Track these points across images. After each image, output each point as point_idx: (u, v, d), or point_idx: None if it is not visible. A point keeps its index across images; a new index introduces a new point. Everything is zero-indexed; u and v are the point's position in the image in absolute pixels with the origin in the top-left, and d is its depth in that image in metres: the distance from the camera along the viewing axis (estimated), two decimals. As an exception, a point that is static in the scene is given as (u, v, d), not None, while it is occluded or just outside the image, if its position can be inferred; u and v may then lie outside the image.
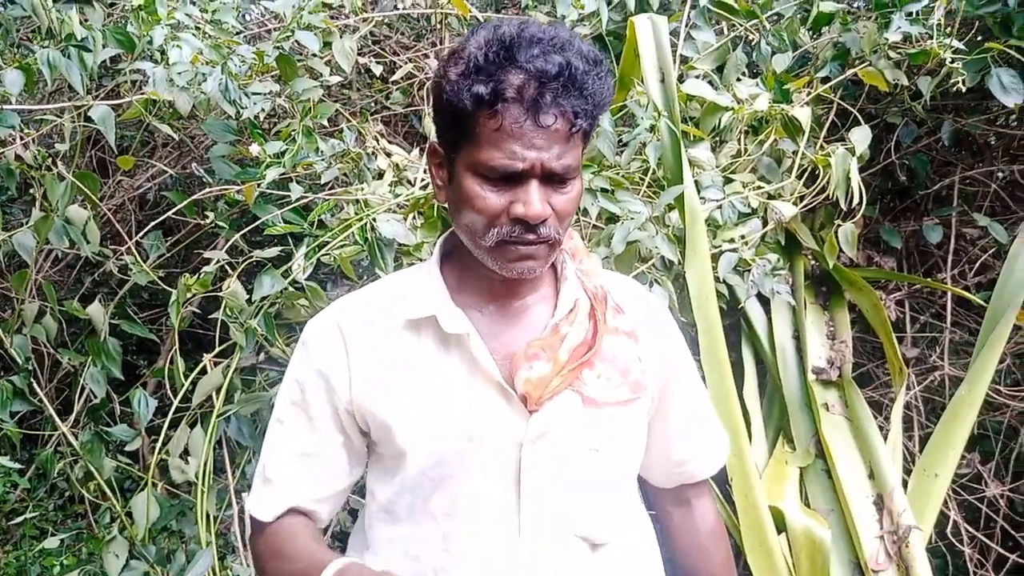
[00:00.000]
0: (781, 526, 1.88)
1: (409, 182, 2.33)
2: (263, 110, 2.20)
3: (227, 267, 2.18)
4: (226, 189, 2.15)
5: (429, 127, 2.50)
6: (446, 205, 1.14)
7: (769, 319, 2.29)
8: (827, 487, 2.05)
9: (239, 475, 2.18)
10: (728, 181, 2.02)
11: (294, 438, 1.17)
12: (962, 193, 2.43)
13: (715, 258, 1.89)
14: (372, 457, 1.22)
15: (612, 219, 1.90)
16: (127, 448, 2.24)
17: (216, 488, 2.18)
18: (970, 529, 2.21)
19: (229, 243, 2.22)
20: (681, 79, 2.12)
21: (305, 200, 2.28)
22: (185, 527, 2.13)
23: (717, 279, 1.88)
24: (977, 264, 2.33)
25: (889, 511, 1.94)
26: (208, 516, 2.10)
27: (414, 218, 2.31)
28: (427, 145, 1.12)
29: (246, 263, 2.14)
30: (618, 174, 1.98)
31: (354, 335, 1.14)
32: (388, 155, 2.47)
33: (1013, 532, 2.26)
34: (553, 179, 1.04)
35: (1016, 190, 2.30)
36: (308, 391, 1.16)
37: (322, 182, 2.09)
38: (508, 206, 1.04)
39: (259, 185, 2.16)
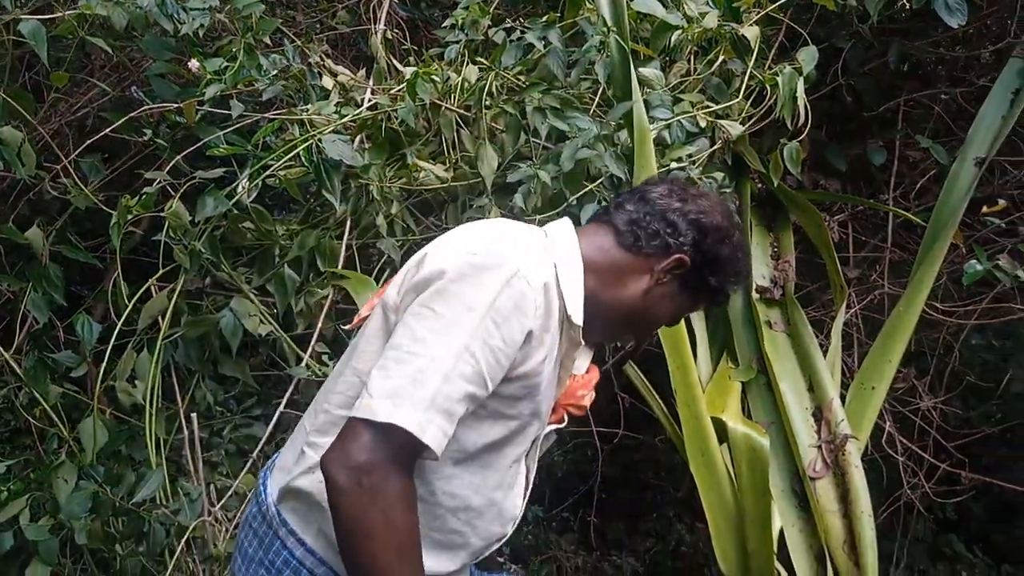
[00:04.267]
0: (723, 437, 1.94)
1: (356, 103, 2.29)
2: (202, 26, 2.12)
3: (170, 189, 2.13)
4: (165, 106, 2.08)
5: (376, 47, 2.44)
6: (640, 294, 1.28)
7: (716, 240, 2.33)
8: (768, 400, 2.12)
9: (188, 399, 2.17)
10: (677, 101, 2.02)
11: (476, 377, 1.11)
12: (906, 116, 2.47)
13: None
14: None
15: (562, 139, 1.89)
16: (73, 374, 2.21)
17: (166, 413, 2.17)
18: (904, 440, 2.30)
19: (171, 164, 2.17)
20: (632, -4, 2.09)
21: (249, 122, 2.23)
22: (135, 452, 2.12)
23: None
24: (918, 186, 2.37)
25: (827, 422, 2.01)
26: (158, 440, 2.10)
27: (361, 140, 2.27)
28: (680, 256, 1.27)
29: (188, 184, 2.10)
30: (568, 93, 1.96)
31: (551, 304, 1.18)
32: (334, 75, 2.41)
33: (944, 443, 2.37)
34: None
35: (958, 113, 2.34)
36: (509, 343, 1.12)
37: (263, 99, 2.03)
38: None
39: (200, 104, 2.11)
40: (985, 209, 2.21)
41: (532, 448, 1.33)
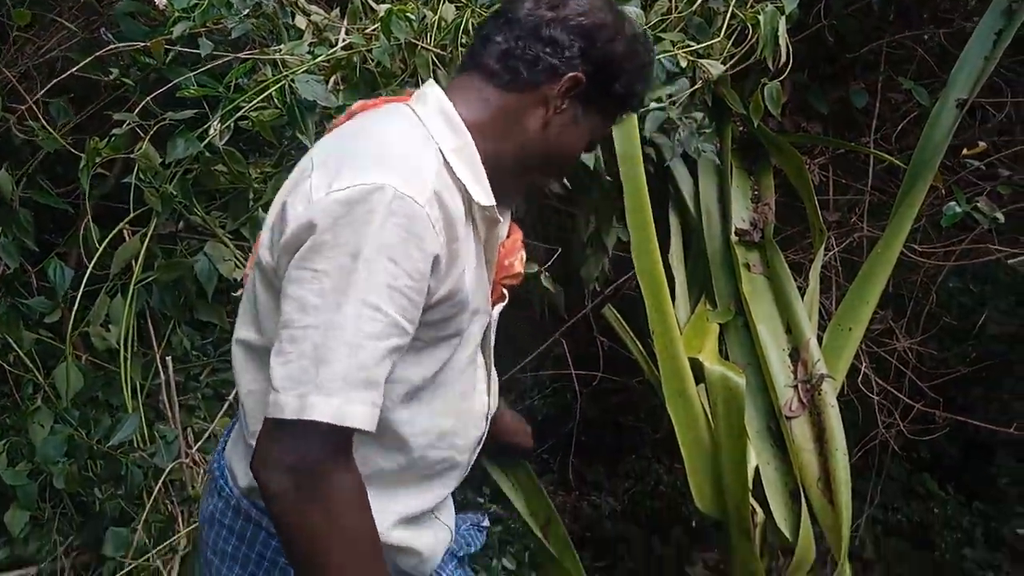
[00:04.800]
0: (700, 377, 1.95)
1: (330, 43, 2.23)
2: (169, -39, 2.06)
3: (140, 131, 2.09)
4: (132, 45, 2.02)
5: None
6: (541, 131, 1.15)
7: (695, 183, 2.32)
8: (746, 341, 2.12)
9: (164, 344, 2.16)
10: (658, 40, 1.98)
11: (390, 330, 0.97)
12: (889, 58, 2.44)
13: (642, 119, 1.87)
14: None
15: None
16: (47, 320, 2.18)
17: (142, 359, 2.16)
18: (880, 381, 2.33)
19: (140, 106, 2.12)
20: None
21: (220, 62, 2.17)
22: (112, 397, 2.11)
23: (644, 140, 1.87)
24: (899, 129, 2.36)
25: (804, 362, 2.02)
26: (134, 385, 2.09)
27: (336, 81, 2.23)
28: (573, 75, 1.13)
29: (159, 126, 2.05)
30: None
31: (448, 210, 1.03)
32: (307, 14, 2.36)
33: (920, 384, 2.39)
34: None
35: (942, 55, 2.31)
36: (416, 276, 0.98)
37: (233, 37, 1.98)
38: None
39: (170, 44, 2.05)
40: (965, 151, 2.21)
41: (484, 341, 1.24)
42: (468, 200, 1.08)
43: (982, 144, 2.20)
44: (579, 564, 2.01)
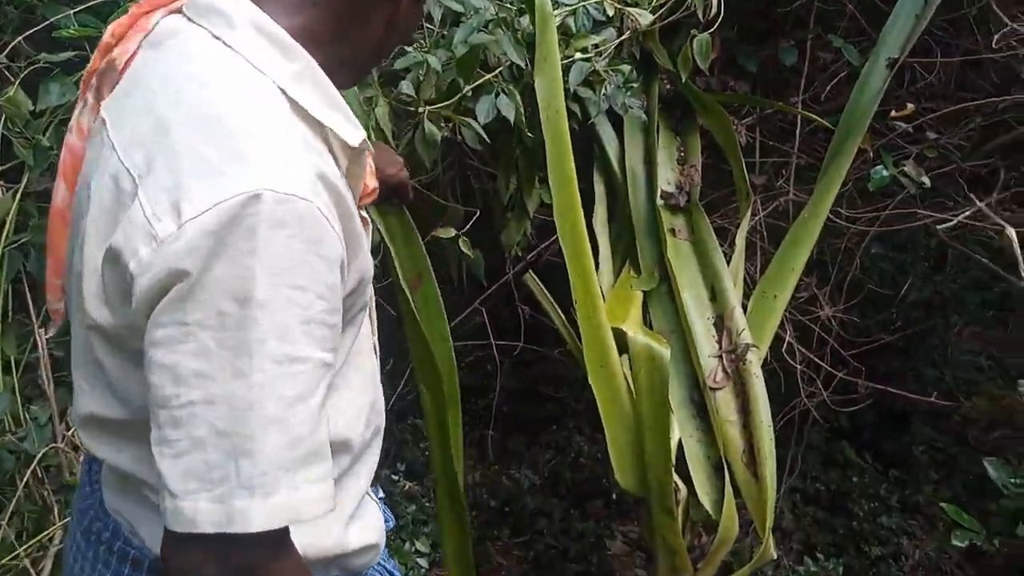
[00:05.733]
0: (624, 347, 1.85)
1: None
2: None
3: (8, 75, 1.87)
4: (-6, -26, 1.79)
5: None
6: (386, 18, 0.88)
7: (621, 143, 2.21)
8: (670, 310, 2.04)
9: (42, 315, 1.96)
10: (583, -14, 1.86)
11: (318, 371, 0.75)
12: (819, 15, 2.36)
13: (566, 71, 1.75)
14: None
15: (457, 23, 1.71)
16: (-97, 285, 1.95)
17: (17, 330, 1.96)
18: (803, 349, 2.28)
19: (10, 47, 1.90)
20: None
21: (101, 1, 1.96)
22: (-19, 372, 1.91)
23: (567, 93, 1.75)
24: (828, 89, 2.29)
25: (728, 331, 1.95)
26: (7, 359, 1.89)
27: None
28: None
29: (31, 69, 1.83)
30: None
31: (331, 182, 0.78)
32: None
33: (842, 352, 2.36)
34: None
35: (873, 12, 2.24)
36: (330, 291, 0.76)
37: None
38: None
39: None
40: (893, 113, 2.15)
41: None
42: (326, 137, 0.82)
43: (910, 106, 2.15)
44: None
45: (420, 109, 1.53)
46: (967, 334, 3.18)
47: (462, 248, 1.77)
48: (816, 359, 2.33)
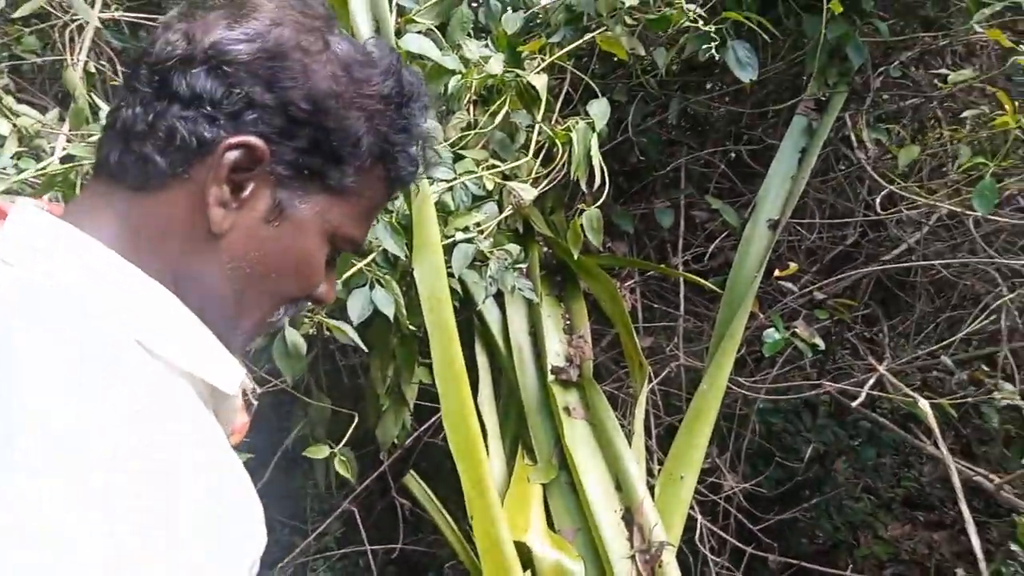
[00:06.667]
0: (528, 562, 1.61)
1: (43, 152, 1.75)
2: None
3: None
4: None
5: (73, 82, 1.91)
6: (224, 251, 0.69)
7: (503, 315, 2.04)
8: (573, 504, 1.83)
9: None
10: (459, 158, 1.70)
11: None
12: (691, 174, 2.33)
13: (447, 251, 1.57)
14: None
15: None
16: None
17: None
18: (710, 525, 2.12)
19: None
20: (399, 34, 1.76)
21: None
22: None
23: (450, 275, 1.56)
24: (710, 249, 2.23)
25: (639, 526, 1.75)
26: None
27: (54, 199, 1.74)
28: (234, 142, 0.67)
29: None
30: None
31: (205, 424, 0.64)
32: (14, 116, 1.85)
33: (750, 525, 2.21)
34: None
35: (744, 173, 2.23)
36: None
37: None
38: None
39: None
40: (777, 272, 2.10)
41: None
42: (209, 389, 0.68)
43: (793, 265, 2.10)
44: None
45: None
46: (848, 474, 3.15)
47: (337, 467, 1.50)
48: (721, 532, 2.17)
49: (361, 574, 2.37)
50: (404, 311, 1.45)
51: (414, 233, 1.48)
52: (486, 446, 1.86)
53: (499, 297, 2.05)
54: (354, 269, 1.42)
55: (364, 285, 1.40)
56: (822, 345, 2.00)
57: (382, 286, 1.40)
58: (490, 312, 2.03)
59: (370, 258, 1.45)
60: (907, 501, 3.70)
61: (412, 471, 1.79)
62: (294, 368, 1.29)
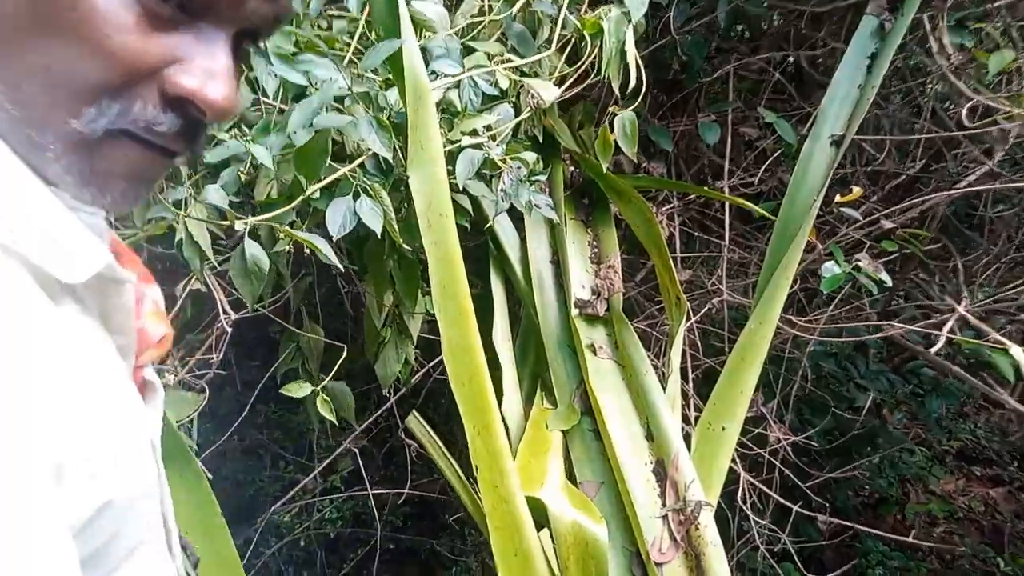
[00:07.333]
0: (545, 519, 1.40)
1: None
2: None
3: None
4: None
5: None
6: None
7: (522, 237, 1.80)
8: (597, 453, 1.62)
9: None
10: (469, 51, 1.45)
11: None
12: (741, 85, 2.04)
13: (451, 161, 1.32)
14: None
15: (300, 97, 1.26)
16: None
17: None
18: (753, 480, 1.89)
19: None
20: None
21: None
22: None
23: (455, 188, 1.32)
24: (761, 171, 1.96)
25: (673, 482, 1.53)
26: None
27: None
28: None
29: None
30: (314, 34, 1.33)
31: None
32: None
33: (797, 480, 1.98)
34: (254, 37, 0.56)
35: (803, 81, 1.94)
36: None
37: None
38: (164, 65, 0.51)
39: None
40: (839, 198, 1.83)
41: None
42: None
43: (857, 189, 1.82)
44: None
45: (240, 223, 1.06)
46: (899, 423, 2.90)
47: (320, 409, 1.29)
48: (765, 488, 1.94)
49: (370, 515, 2.19)
50: (395, 226, 1.21)
51: (410, 135, 1.23)
52: (499, 388, 1.65)
53: (517, 220, 1.82)
54: (337, 174, 1.19)
55: (348, 194, 1.16)
56: (889, 281, 1.73)
57: (369, 195, 1.16)
58: (506, 235, 1.80)
59: (355, 163, 1.21)
60: (961, 454, 3.46)
61: (416, 412, 1.58)
62: (253, 288, 1.06)
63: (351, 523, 2.28)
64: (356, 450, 1.85)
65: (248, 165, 1.11)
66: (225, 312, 1.27)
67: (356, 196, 1.16)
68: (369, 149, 1.18)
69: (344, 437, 2.02)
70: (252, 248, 1.05)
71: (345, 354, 1.42)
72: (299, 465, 2.25)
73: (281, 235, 1.10)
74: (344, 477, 2.14)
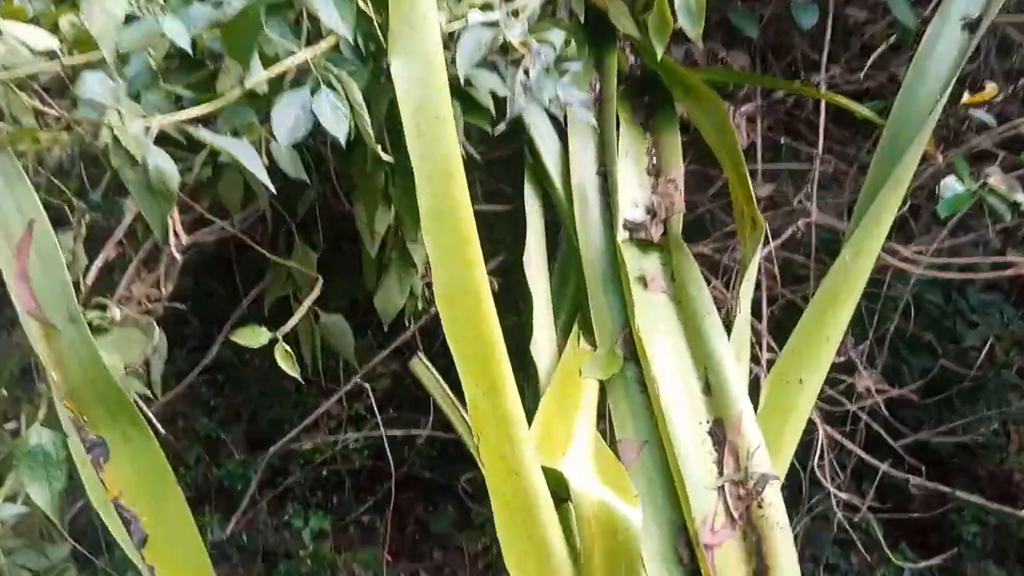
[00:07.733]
0: (566, 493, 1.15)
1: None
2: None
3: None
4: None
5: None
6: None
7: (564, 145, 1.50)
8: (641, 408, 1.35)
9: None
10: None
11: None
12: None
13: (448, 41, 1.02)
14: None
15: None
16: None
17: None
18: (834, 434, 1.59)
19: None
20: None
21: None
22: None
23: (456, 81, 1.02)
24: (869, 62, 1.58)
25: (733, 449, 1.25)
26: None
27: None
28: None
29: None
30: None
31: None
32: None
33: (889, 440, 1.67)
34: None
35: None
36: None
37: None
38: None
39: None
40: (967, 98, 1.45)
41: None
42: None
43: (991, 86, 1.44)
44: None
45: (141, 124, 0.79)
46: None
47: (279, 361, 1.05)
48: (850, 444, 1.64)
49: (398, 445, 2.01)
50: (370, 130, 0.93)
51: (391, 8, 0.93)
52: (530, 323, 1.39)
53: (559, 124, 1.51)
54: (293, 59, 0.90)
55: (304, 86, 0.88)
56: (1026, 202, 1.37)
57: (332, 88, 0.88)
58: (545, 143, 1.49)
59: (320, 46, 0.92)
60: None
61: (421, 353, 1.33)
62: (160, 209, 0.81)
63: (372, 455, 2.10)
64: (367, 385, 1.64)
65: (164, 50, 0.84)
66: (176, 235, 1.03)
67: (316, 90, 0.88)
68: (327, 28, 0.89)
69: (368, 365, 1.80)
70: (158, 158, 0.79)
71: (320, 281, 1.17)
72: (323, 389, 2.06)
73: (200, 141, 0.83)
74: (366, 407, 1.95)
